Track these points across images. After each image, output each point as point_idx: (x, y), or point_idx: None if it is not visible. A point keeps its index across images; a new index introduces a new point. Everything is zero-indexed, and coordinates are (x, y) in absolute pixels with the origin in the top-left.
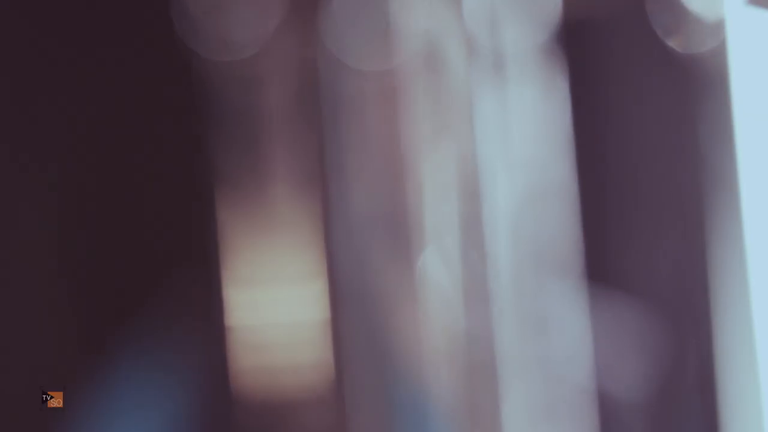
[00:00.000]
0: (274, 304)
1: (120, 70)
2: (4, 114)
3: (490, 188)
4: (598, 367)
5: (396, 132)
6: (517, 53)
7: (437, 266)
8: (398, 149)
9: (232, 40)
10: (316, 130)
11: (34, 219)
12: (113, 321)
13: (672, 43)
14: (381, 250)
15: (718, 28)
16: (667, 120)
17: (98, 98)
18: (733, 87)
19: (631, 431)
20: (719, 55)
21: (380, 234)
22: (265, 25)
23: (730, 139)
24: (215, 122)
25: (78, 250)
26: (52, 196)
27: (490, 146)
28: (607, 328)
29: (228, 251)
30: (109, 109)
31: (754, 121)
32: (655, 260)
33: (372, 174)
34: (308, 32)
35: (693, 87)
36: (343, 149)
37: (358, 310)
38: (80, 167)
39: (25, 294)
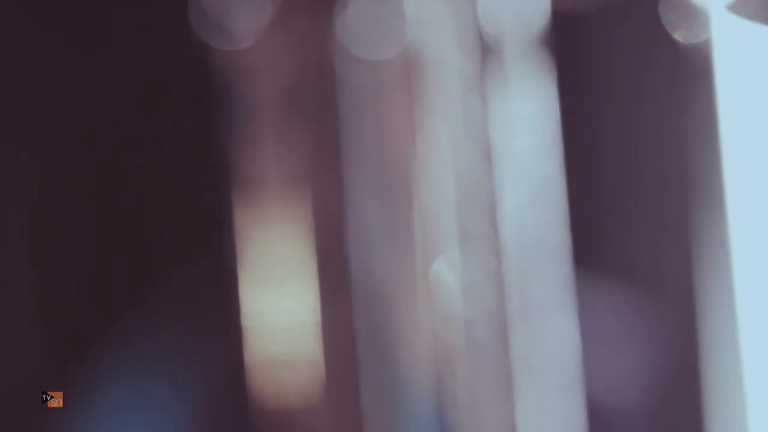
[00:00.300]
0: (281, 303)
1: (129, 64)
2: (5, 113)
3: (488, 180)
4: (595, 365)
5: (394, 121)
6: (512, 46)
7: (444, 265)
8: (396, 139)
9: (235, 29)
10: (319, 122)
11: (36, 217)
12: (114, 321)
13: (671, 32)
14: (388, 244)
15: (705, 20)
16: (656, 112)
17: (101, 94)
18: (719, 79)
19: (623, 426)
20: (706, 47)
21: (386, 228)
22: (267, 13)
23: (715, 130)
24: (223, 115)
25: (79, 248)
26: (55, 193)
27: (485, 139)
28: (601, 322)
29: (237, 247)
30: (114, 106)
31: (738, 113)
32: (645, 252)
33: (376, 166)
34: (313, 21)
35: (681, 78)
36: (348, 140)
37: (367, 309)
38: (81, 164)
39: (28, 292)
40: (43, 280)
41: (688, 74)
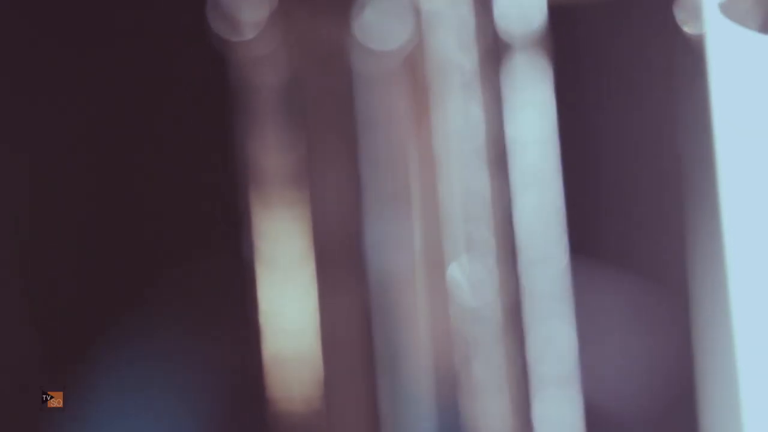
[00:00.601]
0: (291, 302)
1: (133, 60)
2: (5, 113)
3: (495, 175)
4: (592, 363)
5: (403, 113)
6: (513, 41)
7: (456, 263)
8: (405, 131)
9: (242, 19)
10: (328, 115)
11: (38, 211)
12: (115, 320)
13: (681, 26)
14: (400, 241)
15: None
16: (653, 107)
17: (105, 90)
18: (715, 73)
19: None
20: (703, 41)
21: (399, 224)
22: (273, 3)
23: (710, 124)
24: (233, 108)
25: (81, 248)
26: (55, 192)
27: (493, 134)
28: (599, 319)
29: (248, 245)
30: (121, 102)
31: (732, 108)
32: (643, 249)
33: (385, 160)
34: (323, 11)
35: (680, 72)
36: (359, 133)
37: (380, 309)
38: (83, 163)
39: (32, 288)
40: (44, 280)
41: (686, 67)
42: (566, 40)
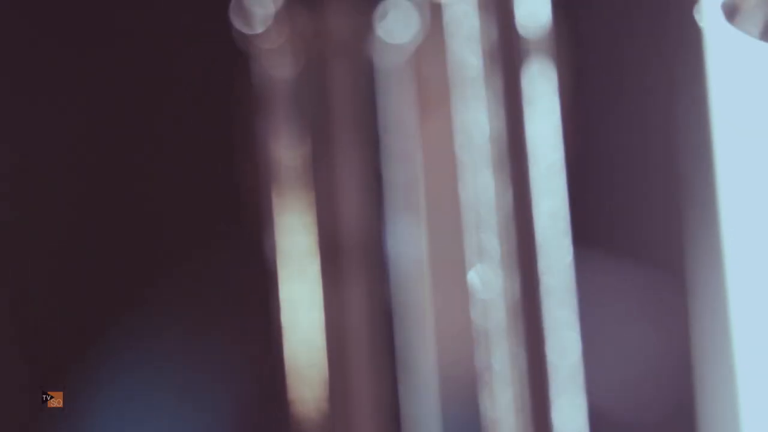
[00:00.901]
0: (305, 301)
1: (140, 55)
2: (5, 113)
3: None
4: (594, 363)
5: (416, 107)
6: (526, 37)
7: (475, 269)
8: (416, 127)
9: (255, 11)
10: (341, 109)
11: (41, 205)
12: (116, 320)
13: (698, 21)
14: (415, 239)
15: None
16: (652, 104)
17: (113, 85)
18: (715, 70)
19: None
20: (702, 38)
21: (414, 221)
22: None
23: (709, 120)
24: (248, 102)
25: (86, 246)
26: (69, 179)
27: (495, 127)
28: (601, 317)
29: (262, 241)
30: (136, 98)
31: (731, 107)
32: (643, 248)
33: (398, 155)
34: (336, 3)
35: (683, 68)
36: (372, 128)
37: (402, 309)
38: (89, 162)
39: (35, 285)
40: (44, 281)
41: (686, 66)
42: (568, 38)
